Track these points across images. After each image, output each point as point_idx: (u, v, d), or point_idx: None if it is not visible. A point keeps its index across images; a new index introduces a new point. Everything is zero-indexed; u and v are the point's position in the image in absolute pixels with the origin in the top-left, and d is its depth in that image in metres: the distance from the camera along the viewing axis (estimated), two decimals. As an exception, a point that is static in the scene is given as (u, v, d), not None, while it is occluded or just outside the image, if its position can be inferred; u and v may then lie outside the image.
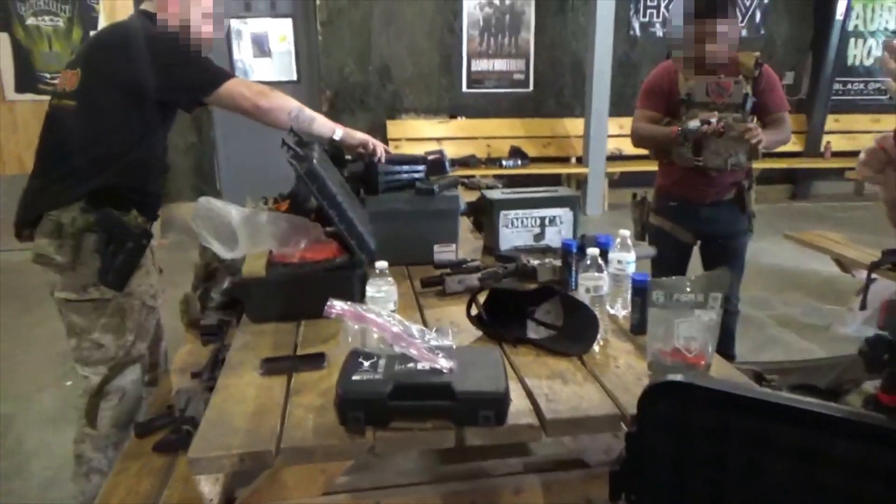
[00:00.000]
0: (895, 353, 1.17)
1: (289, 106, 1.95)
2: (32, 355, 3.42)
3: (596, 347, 1.52)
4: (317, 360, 1.46)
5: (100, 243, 1.84)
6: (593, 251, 1.57)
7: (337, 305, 1.29)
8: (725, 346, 2.67)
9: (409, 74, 6.60)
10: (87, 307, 1.91)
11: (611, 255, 1.69)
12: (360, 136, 2.17)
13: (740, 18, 6.72)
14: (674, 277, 1.37)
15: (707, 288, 1.35)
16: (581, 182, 6.59)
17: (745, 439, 1.08)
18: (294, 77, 6.58)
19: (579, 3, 6.59)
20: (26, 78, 5.30)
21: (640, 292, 1.51)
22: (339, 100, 6.55)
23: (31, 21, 5.26)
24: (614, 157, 6.59)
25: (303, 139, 1.86)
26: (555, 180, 6.36)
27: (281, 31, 6.48)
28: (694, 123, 2.43)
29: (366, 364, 1.25)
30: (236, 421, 1.26)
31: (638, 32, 6.80)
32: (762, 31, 6.97)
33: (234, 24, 6.34)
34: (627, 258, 1.67)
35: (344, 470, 1.60)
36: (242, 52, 6.43)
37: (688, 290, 1.35)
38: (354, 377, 1.21)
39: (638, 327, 1.55)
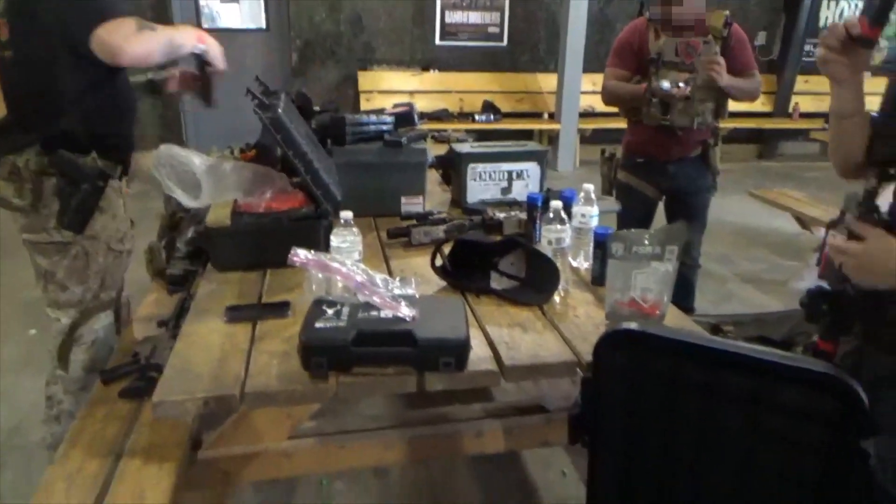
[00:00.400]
0: (833, 303, 1.23)
1: (149, 42, 1.74)
2: (-4, 304, 3.38)
3: (557, 298, 1.55)
4: (281, 309, 1.48)
5: (59, 186, 1.82)
6: (556, 204, 1.59)
7: (301, 254, 1.30)
8: (685, 299, 2.75)
9: (381, 25, 6.47)
10: (51, 249, 1.90)
11: (574, 209, 1.71)
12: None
13: None
14: (633, 230, 1.40)
15: (664, 241, 1.38)
16: (553, 138, 6.59)
17: (695, 386, 1.13)
18: (263, 25, 6.41)
19: (555, -45, 6.49)
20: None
21: (602, 245, 1.54)
22: (309, 49, 6.41)
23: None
24: (587, 114, 6.59)
25: (268, 88, 1.83)
26: (527, 136, 6.35)
27: (249, -25, 6.29)
28: (665, 84, 2.45)
29: (329, 312, 1.27)
30: (200, 366, 1.27)
31: (613, -13, 6.73)
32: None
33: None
34: (590, 212, 1.70)
35: (310, 415, 1.63)
36: (209, -2, 6.23)
37: (646, 242, 1.38)
38: (318, 324, 1.23)
39: (598, 279, 1.59)
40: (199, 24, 6.19)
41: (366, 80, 6.47)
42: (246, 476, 1.66)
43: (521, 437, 1.83)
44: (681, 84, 2.43)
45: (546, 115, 6.74)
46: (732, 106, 2.67)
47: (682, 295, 2.85)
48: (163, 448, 1.54)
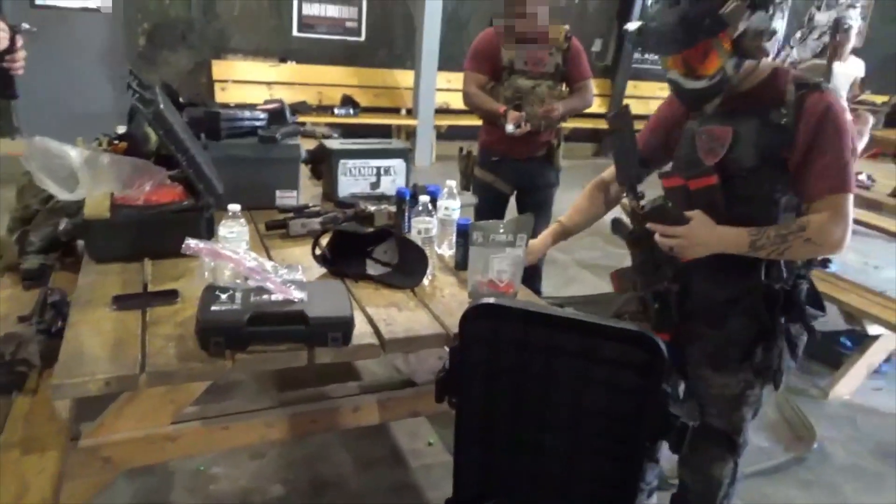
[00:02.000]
0: (660, 300, 1.57)
1: None
2: None
3: (426, 281, 1.76)
4: (170, 296, 1.56)
5: None
6: (424, 198, 1.80)
7: (193, 243, 1.40)
8: (533, 283, 3.07)
9: (235, 12, 6.34)
10: None
11: (439, 203, 1.93)
12: None
13: None
14: (490, 221, 1.64)
15: (516, 230, 1.64)
16: (410, 133, 6.83)
17: (540, 347, 1.39)
18: (106, 3, 6.03)
19: (411, -44, 6.72)
20: None
21: (463, 234, 1.77)
22: (157, 33, 6.15)
23: None
24: (442, 111, 6.89)
25: (143, 81, 1.87)
26: (385, 131, 6.54)
27: (87, -50, 5.90)
28: (510, 128, 2.75)
29: (223, 297, 1.38)
30: (96, 351, 1.34)
31: (465, -10, 7.08)
32: (577, 0, 7.57)
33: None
34: (453, 205, 1.93)
35: (192, 401, 1.71)
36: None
37: (501, 231, 1.63)
38: (213, 307, 1.34)
39: (461, 264, 1.82)
40: (31, 1, 5.72)
41: (220, 69, 6.32)
42: (129, 461, 1.70)
43: (394, 409, 2.02)
44: (522, 124, 2.75)
45: (404, 111, 6.97)
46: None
47: (531, 279, 3.18)
48: (41, 440, 1.57)
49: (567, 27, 2.89)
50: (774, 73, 1.49)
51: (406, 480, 2.28)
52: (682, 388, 1.78)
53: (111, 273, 1.71)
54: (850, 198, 1.45)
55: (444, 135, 6.90)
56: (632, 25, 1.47)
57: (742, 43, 1.40)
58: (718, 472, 1.72)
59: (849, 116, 1.46)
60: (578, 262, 4.51)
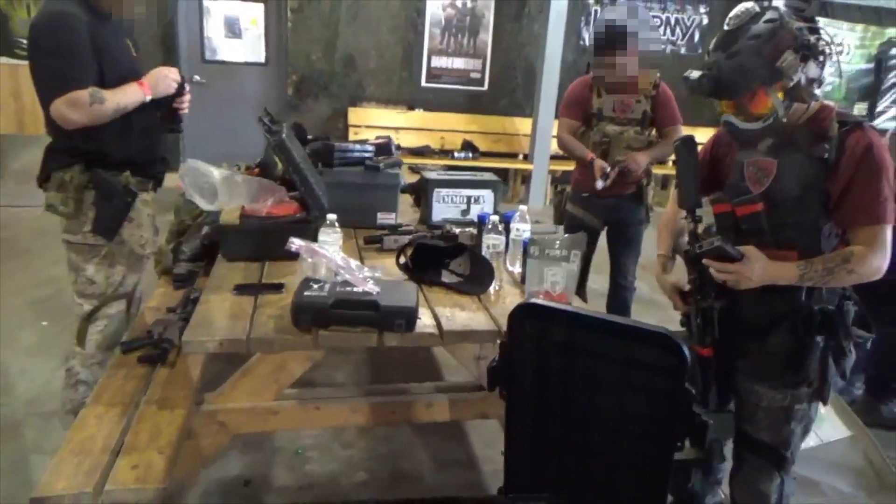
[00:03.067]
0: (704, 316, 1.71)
1: (97, 113, 2.04)
2: (5, 302, 3.75)
3: (492, 290, 2.00)
4: (277, 287, 1.92)
5: (96, 198, 2.18)
6: (494, 218, 2.06)
7: (296, 242, 1.75)
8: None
9: (372, 65, 7.01)
10: (85, 249, 2.25)
11: (511, 225, 2.18)
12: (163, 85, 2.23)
13: (662, 43, 7.29)
14: (547, 237, 1.86)
15: (570, 247, 1.84)
16: (526, 177, 7.11)
17: (583, 349, 1.55)
18: (262, 59, 6.93)
19: (535, 12, 7.11)
20: (4, 42, 5.55)
21: (526, 250, 2.00)
22: (304, 84, 6.93)
23: (10, -12, 5.51)
24: (558, 157, 7.12)
25: (274, 118, 2.29)
26: (503, 174, 6.86)
27: (252, 15, 6.83)
28: (599, 184, 2.95)
29: (315, 286, 1.71)
30: (217, 321, 1.70)
31: (587, 42, 7.34)
32: (699, 51, 7.60)
33: (207, 3, 6.67)
34: (524, 227, 2.16)
35: (291, 383, 2.04)
36: (213, 32, 6.75)
37: (556, 247, 1.84)
38: (306, 293, 1.67)
39: (524, 278, 2.04)
40: (202, 57, 6.70)
41: (355, 115, 6.99)
42: (239, 427, 2.06)
43: (464, 409, 2.25)
44: (609, 172, 2.93)
45: (521, 156, 7.28)
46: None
47: (619, 314, 3.32)
48: (173, 401, 1.95)
49: (658, 74, 3.05)
50: (820, 111, 1.61)
51: (477, 481, 2.48)
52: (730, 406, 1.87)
53: (237, 269, 2.11)
54: (889, 229, 1.54)
55: (559, 179, 7.07)
56: (693, 73, 1.60)
57: (795, 90, 1.54)
58: (766, 487, 1.78)
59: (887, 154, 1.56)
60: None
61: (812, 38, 1.53)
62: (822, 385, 1.66)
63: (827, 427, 2.66)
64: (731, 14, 1.57)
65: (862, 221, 1.55)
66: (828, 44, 1.55)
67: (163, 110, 2.31)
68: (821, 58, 1.55)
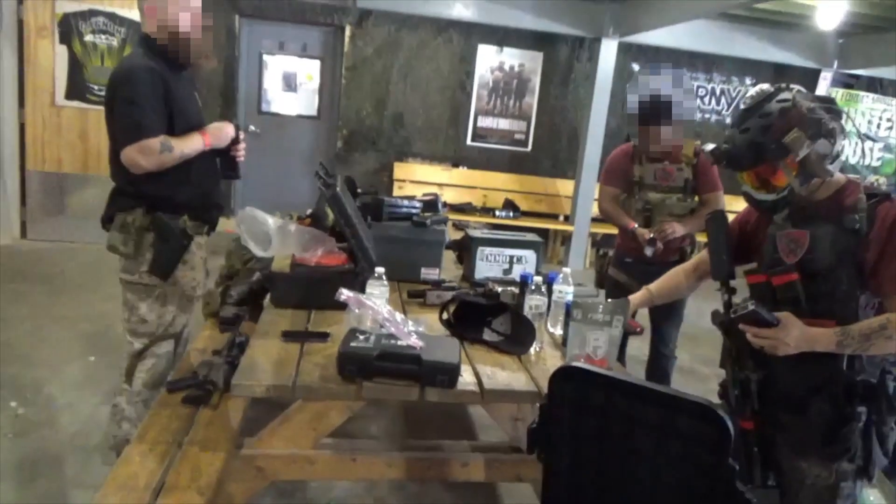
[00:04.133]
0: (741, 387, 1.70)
1: (165, 160, 2.18)
2: (56, 334, 3.88)
3: (533, 351, 2.01)
4: (323, 336, 1.96)
5: (155, 240, 2.29)
6: (537, 279, 2.08)
7: (345, 292, 1.80)
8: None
9: (419, 123, 7.22)
10: (140, 289, 2.34)
11: (554, 287, 2.20)
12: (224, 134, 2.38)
13: (708, 112, 7.40)
14: (589, 300, 1.88)
15: (613, 312, 1.85)
16: (566, 239, 7.14)
17: (621, 416, 1.55)
18: (314, 113, 7.20)
19: (581, 78, 7.27)
20: (77, 87, 5.89)
21: (569, 312, 2.01)
22: (353, 138, 7.15)
23: (88, 38, 5.87)
24: (598, 220, 7.14)
25: (329, 171, 2.39)
26: (543, 234, 6.89)
27: (309, 71, 7.13)
28: (648, 251, 2.98)
29: (360, 337, 1.75)
30: (264, 366, 1.75)
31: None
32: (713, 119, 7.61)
33: (266, 58, 7.00)
34: (567, 289, 2.18)
35: (329, 432, 2.06)
36: (270, 85, 7.06)
37: (599, 311, 1.85)
38: (352, 344, 1.71)
39: (566, 340, 2.05)
40: (258, 109, 7.00)
41: (401, 170, 7.16)
42: (276, 473, 2.07)
43: (499, 470, 2.23)
44: (656, 243, 2.96)
45: (562, 218, 7.33)
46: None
47: (659, 383, 3.26)
48: (214, 443, 1.99)
49: (698, 142, 3.08)
50: (847, 185, 1.65)
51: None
52: (770, 480, 1.82)
53: (285, 316, 2.16)
54: None
55: (600, 242, 7.10)
56: (709, 146, 1.73)
57: (807, 165, 1.59)
58: None
59: None
60: (721, 375, 4.40)
61: (826, 117, 1.57)
62: (866, 460, 1.62)
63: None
64: (748, 94, 1.68)
65: None
66: (840, 123, 1.59)
67: (221, 158, 2.44)
68: (832, 137, 1.58)
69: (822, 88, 7.21)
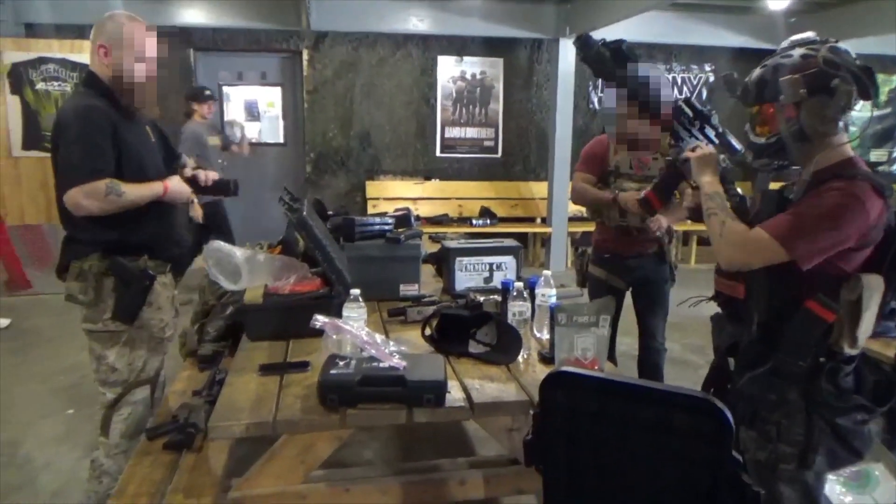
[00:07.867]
0: None
1: (111, 205, 2.07)
2: (31, 389, 3.74)
3: (520, 359, 1.95)
4: (303, 365, 1.89)
5: (115, 285, 2.17)
6: (519, 284, 2.03)
7: (320, 319, 1.73)
8: (653, 380, 3.10)
9: (387, 140, 7.17)
10: (105, 336, 2.23)
11: (537, 291, 2.14)
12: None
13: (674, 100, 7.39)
14: (574, 303, 1.83)
15: (598, 312, 1.80)
16: (545, 241, 7.12)
17: (616, 418, 1.50)
18: (281, 140, 7.13)
19: (542, 80, 7.29)
20: (32, 137, 5.76)
21: (554, 316, 1.96)
22: (321, 161, 7.08)
23: (40, 86, 5.75)
24: (575, 218, 7.13)
25: (294, 195, 2.32)
26: (522, 239, 6.88)
27: (270, 98, 7.06)
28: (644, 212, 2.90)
29: (341, 363, 1.68)
30: (242, 404, 1.67)
31: (596, 106, 7.48)
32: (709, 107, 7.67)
33: (227, 90, 6.92)
34: (549, 292, 2.13)
35: (319, 465, 1.98)
36: (234, 115, 6.96)
37: (584, 313, 1.80)
38: (332, 371, 1.64)
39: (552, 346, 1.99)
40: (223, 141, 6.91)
41: (373, 188, 7.10)
42: (266, 514, 1.99)
43: (499, 485, 2.16)
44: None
45: (539, 220, 7.31)
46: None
47: (651, 376, 3.23)
48: (199, 488, 1.90)
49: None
50: (844, 162, 1.57)
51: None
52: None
53: (261, 349, 2.08)
54: (776, 251, 1.53)
55: (579, 241, 7.08)
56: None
57: (803, 118, 1.54)
58: None
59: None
60: (712, 363, 4.39)
61: (838, 76, 1.50)
62: (805, 447, 1.59)
63: (882, 491, 2.52)
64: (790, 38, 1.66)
65: (766, 226, 1.56)
66: (851, 88, 1.51)
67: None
68: (832, 95, 1.51)
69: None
